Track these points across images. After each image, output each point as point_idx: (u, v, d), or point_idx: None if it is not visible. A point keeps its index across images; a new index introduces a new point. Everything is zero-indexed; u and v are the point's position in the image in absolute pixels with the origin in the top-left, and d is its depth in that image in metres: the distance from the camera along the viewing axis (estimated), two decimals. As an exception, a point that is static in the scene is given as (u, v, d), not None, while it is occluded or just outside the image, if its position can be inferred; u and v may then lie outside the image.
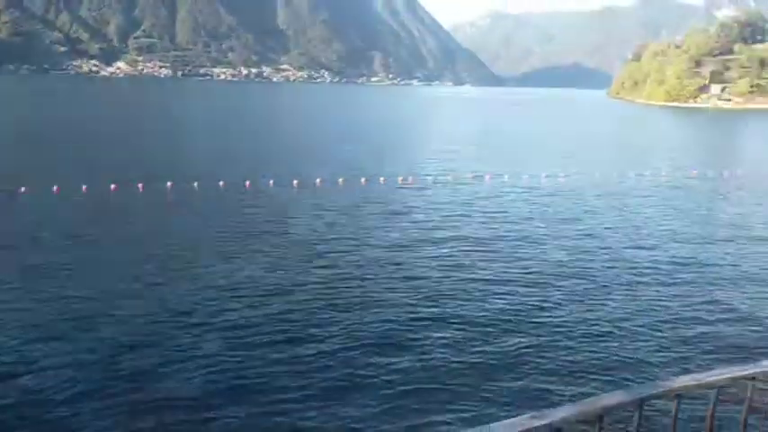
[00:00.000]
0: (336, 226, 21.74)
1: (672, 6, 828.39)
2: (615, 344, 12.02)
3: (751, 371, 2.03)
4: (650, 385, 1.85)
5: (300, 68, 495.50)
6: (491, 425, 1.50)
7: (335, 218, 23.11)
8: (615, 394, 1.77)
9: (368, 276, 15.97)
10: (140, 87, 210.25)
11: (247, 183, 28.52)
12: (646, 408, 1.78)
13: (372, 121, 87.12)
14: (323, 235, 20.37)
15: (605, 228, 22.84)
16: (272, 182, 29.12)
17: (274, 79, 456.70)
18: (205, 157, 40.01)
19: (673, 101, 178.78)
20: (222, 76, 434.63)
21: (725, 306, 14.47)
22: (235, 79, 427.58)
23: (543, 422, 1.63)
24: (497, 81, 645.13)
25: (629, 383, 9.51)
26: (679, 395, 1.87)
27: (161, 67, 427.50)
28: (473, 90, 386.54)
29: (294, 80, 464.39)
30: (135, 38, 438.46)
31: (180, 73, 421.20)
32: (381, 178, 31.61)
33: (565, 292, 15.14)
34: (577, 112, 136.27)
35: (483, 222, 23.11)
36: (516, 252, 18.90)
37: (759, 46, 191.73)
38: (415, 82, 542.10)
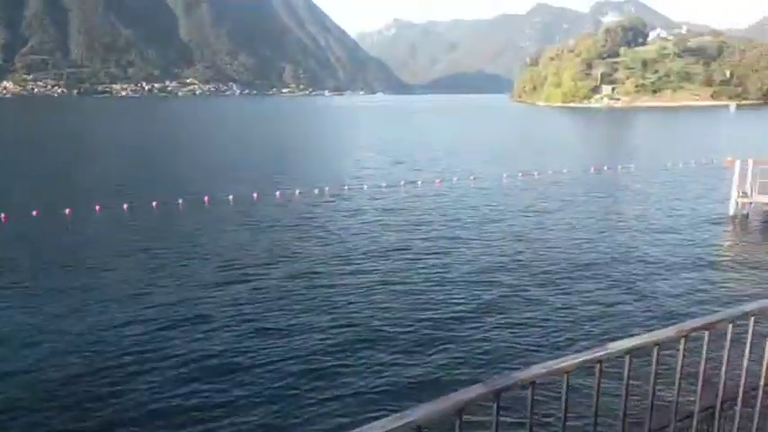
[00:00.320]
0: (253, 242, 21.31)
1: (561, 13, 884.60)
2: (527, 332, 12.62)
3: (598, 354, 2.16)
4: (506, 376, 1.92)
5: (207, 82, 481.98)
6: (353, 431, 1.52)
7: (252, 234, 22.64)
8: (473, 388, 1.84)
9: (287, 289, 15.79)
10: (31, 108, 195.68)
11: (154, 203, 27.29)
12: (503, 398, 1.89)
13: (284, 134, 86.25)
14: (239, 252, 19.87)
15: (514, 225, 23.91)
16: (181, 201, 28.07)
17: (179, 93, 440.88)
18: (106, 180, 37.83)
19: (569, 102, 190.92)
20: (123, 93, 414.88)
21: (625, 289, 15.60)
22: (137, 95, 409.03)
23: (404, 422, 1.67)
24: (407, 89, 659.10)
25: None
26: (533, 383, 1.98)
27: (54, 86, 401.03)
28: (386, 98, 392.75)
29: (200, 94, 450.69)
30: (22, 55, 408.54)
31: (76, 91, 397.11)
32: (297, 191, 31.35)
33: (473, 287, 15.71)
34: (484, 116, 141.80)
35: (398, 229, 23.46)
36: (430, 255, 19.37)
37: (641, 48, 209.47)
38: (326, 92, 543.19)
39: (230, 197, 29.15)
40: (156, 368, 11.26)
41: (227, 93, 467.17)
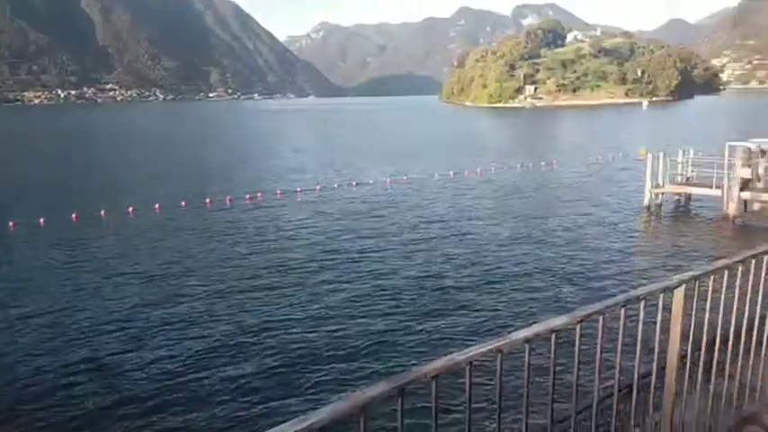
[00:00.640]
0: (182, 251, 20.67)
1: (484, 16, 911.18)
2: (456, 322, 13.01)
3: (498, 344, 2.19)
4: (408, 372, 1.91)
5: (128, 87, 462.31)
6: None
7: (181, 243, 21.96)
8: (377, 385, 1.83)
9: (217, 296, 15.48)
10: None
11: (74, 216, 25.93)
12: (407, 393, 1.87)
13: (210, 140, 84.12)
14: (167, 262, 19.23)
15: (445, 221, 24.46)
16: (103, 212, 26.80)
17: (99, 100, 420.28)
18: (22, 194, 35.52)
19: (496, 102, 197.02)
20: (36, 101, 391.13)
21: (548, 277, 16.37)
22: (52, 103, 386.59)
23: (307, 424, 1.62)
24: (339, 92, 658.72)
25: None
26: (437, 376, 1.98)
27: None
28: (317, 102, 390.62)
29: (122, 100, 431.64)
30: None
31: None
32: (228, 197, 30.68)
33: (406, 282, 16.04)
34: (415, 117, 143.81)
35: (334, 232, 23.48)
36: (366, 255, 19.54)
37: (560, 50, 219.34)
38: (256, 96, 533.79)
39: (156, 206, 28.14)
40: (78, 382, 10.77)
41: (151, 98, 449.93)
